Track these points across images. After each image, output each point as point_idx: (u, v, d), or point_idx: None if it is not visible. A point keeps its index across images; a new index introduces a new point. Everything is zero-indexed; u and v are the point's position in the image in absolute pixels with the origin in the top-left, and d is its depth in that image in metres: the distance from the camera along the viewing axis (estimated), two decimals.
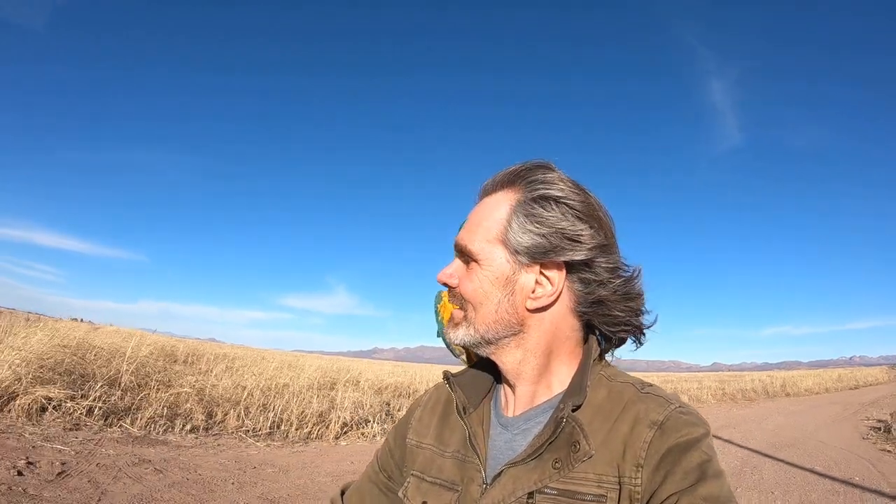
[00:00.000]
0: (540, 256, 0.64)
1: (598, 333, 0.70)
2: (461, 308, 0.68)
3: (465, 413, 0.71)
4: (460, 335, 0.67)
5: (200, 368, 8.08)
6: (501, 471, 0.63)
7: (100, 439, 4.22)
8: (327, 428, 5.65)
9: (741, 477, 4.81)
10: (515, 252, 0.64)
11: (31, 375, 4.82)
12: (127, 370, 5.66)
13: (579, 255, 0.63)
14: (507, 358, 0.67)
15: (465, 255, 0.67)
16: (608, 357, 0.71)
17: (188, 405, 5.43)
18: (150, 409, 5.01)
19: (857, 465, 5.41)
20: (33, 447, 3.68)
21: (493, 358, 0.69)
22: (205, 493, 3.36)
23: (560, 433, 0.60)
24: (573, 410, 0.61)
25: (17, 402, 4.51)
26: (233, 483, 3.64)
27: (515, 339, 0.66)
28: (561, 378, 0.67)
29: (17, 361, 4.94)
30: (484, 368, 0.75)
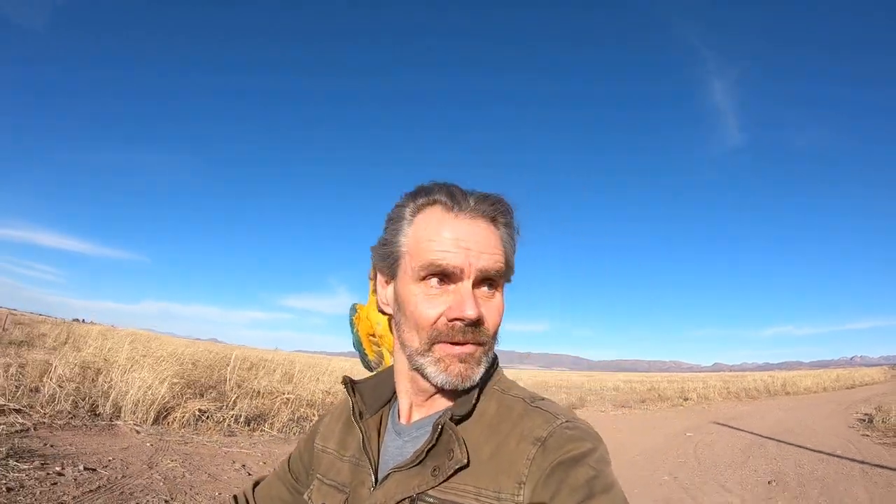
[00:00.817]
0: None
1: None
2: (482, 344, 0.63)
3: (360, 418, 0.72)
4: (481, 371, 0.63)
5: (257, 374, 8.57)
6: (388, 474, 0.64)
7: (257, 442, 4.87)
8: None
9: (750, 450, 6.42)
10: (509, 275, 0.68)
11: (179, 391, 5.70)
12: (231, 379, 6.58)
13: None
14: None
15: (499, 280, 0.65)
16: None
17: (302, 410, 6.42)
18: (283, 414, 5.95)
19: (840, 444, 6.84)
20: (225, 452, 4.14)
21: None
22: None
23: (439, 440, 0.61)
24: (459, 420, 0.62)
25: (173, 415, 5.12)
26: None
27: None
28: None
29: (176, 381, 5.78)
30: (388, 377, 0.76)
